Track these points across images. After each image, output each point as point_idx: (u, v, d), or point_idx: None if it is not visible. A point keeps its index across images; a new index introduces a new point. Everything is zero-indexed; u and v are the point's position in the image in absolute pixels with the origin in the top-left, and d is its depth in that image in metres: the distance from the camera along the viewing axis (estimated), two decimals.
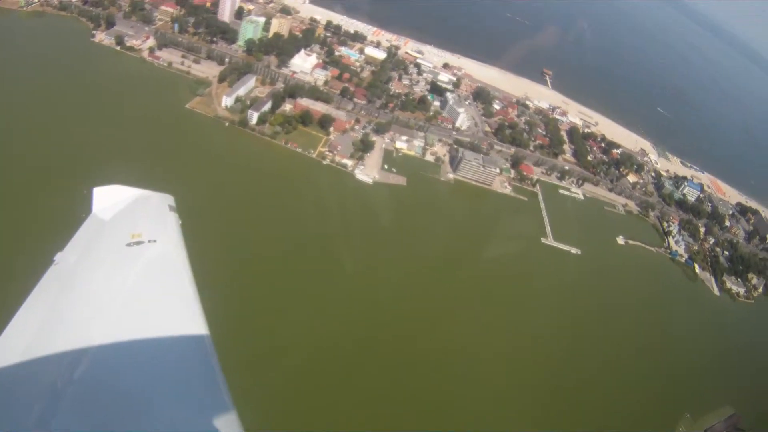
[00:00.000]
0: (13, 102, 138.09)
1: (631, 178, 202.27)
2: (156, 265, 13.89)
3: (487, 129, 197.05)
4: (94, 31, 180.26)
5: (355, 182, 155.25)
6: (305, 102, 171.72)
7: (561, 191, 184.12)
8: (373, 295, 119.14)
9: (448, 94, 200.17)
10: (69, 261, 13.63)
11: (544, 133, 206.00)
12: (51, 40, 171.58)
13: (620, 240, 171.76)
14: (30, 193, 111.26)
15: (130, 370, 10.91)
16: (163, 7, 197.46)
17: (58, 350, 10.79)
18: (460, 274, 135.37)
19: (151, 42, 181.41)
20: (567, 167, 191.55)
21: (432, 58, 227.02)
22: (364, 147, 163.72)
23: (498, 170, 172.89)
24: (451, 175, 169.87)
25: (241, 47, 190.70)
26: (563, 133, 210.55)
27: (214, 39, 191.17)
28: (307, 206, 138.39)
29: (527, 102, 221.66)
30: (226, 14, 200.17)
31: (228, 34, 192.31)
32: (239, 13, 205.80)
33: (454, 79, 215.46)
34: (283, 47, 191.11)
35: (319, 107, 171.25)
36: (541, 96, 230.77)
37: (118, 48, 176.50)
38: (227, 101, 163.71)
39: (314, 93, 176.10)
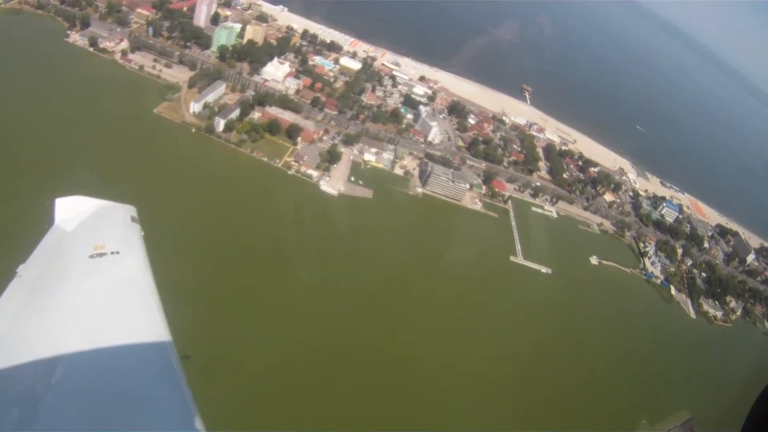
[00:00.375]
0: None
1: (608, 197, 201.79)
2: (119, 276, 13.90)
3: (461, 144, 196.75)
4: (68, 32, 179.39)
5: (320, 194, 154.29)
6: (273, 111, 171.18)
7: (534, 209, 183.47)
8: (328, 306, 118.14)
9: (422, 107, 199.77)
10: (32, 273, 13.55)
11: (519, 149, 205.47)
12: (23, 38, 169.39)
13: (594, 260, 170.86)
14: None
15: (95, 378, 10.90)
16: (139, 10, 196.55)
17: (23, 361, 10.80)
18: (421, 288, 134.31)
19: (124, 44, 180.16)
20: (541, 184, 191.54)
21: (409, 70, 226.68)
22: (330, 158, 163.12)
23: (468, 186, 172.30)
24: (419, 190, 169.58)
25: (214, 53, 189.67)
26: (539, 150, 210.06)
27: (188, 44, 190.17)
28: (269, 216, 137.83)
29: (504, 117, 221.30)
30: (201, 19, 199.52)
31: (202, 39, 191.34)
32: (215, 19, 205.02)
33: (430, 92, 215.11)
34: (256, 55, 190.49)
35: (287, 116, 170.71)
36: (519, 112, 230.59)
37: (91, 49, 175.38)
38: (195, 107, 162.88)
39: (283, 102, 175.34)
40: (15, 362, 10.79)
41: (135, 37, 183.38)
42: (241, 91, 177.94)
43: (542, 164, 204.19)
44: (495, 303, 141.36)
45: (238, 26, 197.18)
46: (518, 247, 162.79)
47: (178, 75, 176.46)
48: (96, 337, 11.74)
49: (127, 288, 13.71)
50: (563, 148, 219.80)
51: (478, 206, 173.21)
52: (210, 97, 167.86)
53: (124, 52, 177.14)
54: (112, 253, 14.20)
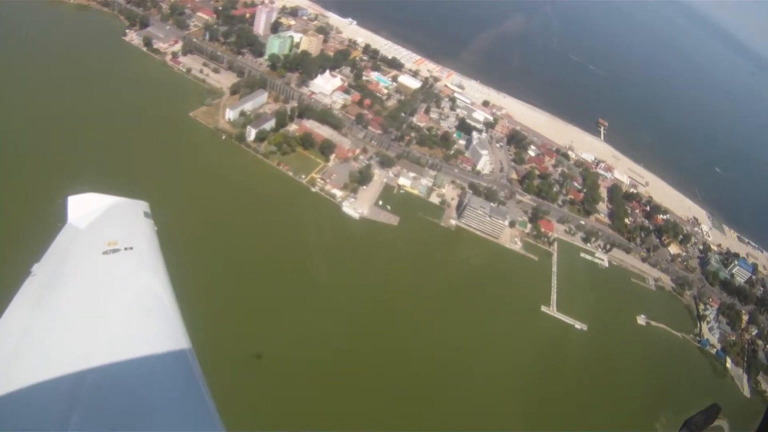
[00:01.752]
0: (15, 94, 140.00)
1: (673, 249, 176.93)
2: (133, 271, 13.52)
3: (514, 176, 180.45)
4: (127, 30, 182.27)
5: (339, 215, 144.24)
6: (310, 124, 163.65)
7: (582, 255, 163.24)
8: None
9: (474, 134, 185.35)
10: (46, 271, 13.12)
11: (579, 187, 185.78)
12: (83, 33, 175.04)
13: (641, 319, 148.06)
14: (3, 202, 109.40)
15: (114, 379, 10.30)
16: (200, 14, 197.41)
17: (41, 361, 10.44)
18: (430, 333, 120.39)
19: (177, 47, 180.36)
20: (596, 228, 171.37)
21: (473, 94, 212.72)
22: (360, 179, 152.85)
23: (506, 222, 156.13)
24: (453, 222, 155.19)
25: (266, 61, 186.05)
26: (603, 190, 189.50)
27: (242, 50, 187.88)
28: (275, 230, 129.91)
29: (569, 152, 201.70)
30: (261, 27, 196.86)
31: (256, 46, 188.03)
32: (275, 28, 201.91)
33: (491, 118, 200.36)
34: (307, 66, 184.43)
35: (323, 131, 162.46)
36: (589, 147, 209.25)
37: (144, 49, 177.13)
38: (230, 114, 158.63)
39: (323, 116, 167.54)
40: (31, 363, 10.44)
41: (189, 40, 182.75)
42: (284, 102, 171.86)
43: (603, 206, 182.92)
44: (512, 357, 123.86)
45: (291, 35, 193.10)
46: (554, 296, 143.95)
47: (224, 81, 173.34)
48: (111, 334, 11.34)
49: (142, 283, 13.22)
50: (631, 190, 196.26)
51: (517, 246, 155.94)
52: (248, 106, 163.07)
53: (175, 54, 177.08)
54: (125, 248, 13.82)
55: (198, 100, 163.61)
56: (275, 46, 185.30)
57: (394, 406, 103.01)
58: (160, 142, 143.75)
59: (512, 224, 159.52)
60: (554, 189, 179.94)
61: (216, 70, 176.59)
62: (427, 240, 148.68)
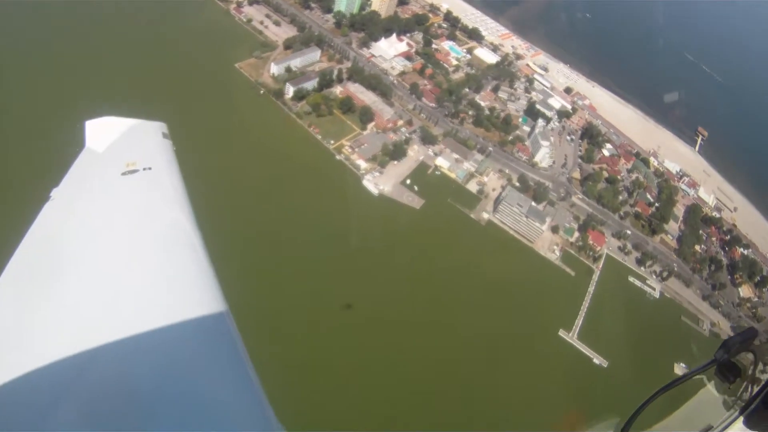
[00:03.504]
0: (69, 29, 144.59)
1: (745, 291, 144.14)
2: (152, 191, 12.98)
3: (575, 175, 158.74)
4: None
5: (357, 188, 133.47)
6: (354, 88, 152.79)
7: (631, 279, 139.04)
8: None
9: (540, 121, 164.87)
10: (65, 195, 12.51)
11: (651, 200, 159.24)
12: None
13: (678, 368, 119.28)
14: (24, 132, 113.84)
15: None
16: None
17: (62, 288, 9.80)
18: (424, 334, 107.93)
19: None
20: (658, 251, 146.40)
21: (558, 78, 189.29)
22: (393, 152, 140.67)
23: (545, 226, 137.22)
24: (486, 215, 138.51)
25: (333, 18, 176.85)
26: (679, 208, 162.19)
27: (311, 4, 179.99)
28: (278, 193, 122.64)
29: (652, 159, 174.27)
30: None
31: (325, 1, 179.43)
32: None
33: (569, 107, 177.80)
34: (372, 27, 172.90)
35: (366, 97, 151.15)
36: (678, 157, 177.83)
37: None
38: (275, 69, 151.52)
39: (371, 80, 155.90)
40: (54, 288, 9.67)
41: None
42: (339, 62, 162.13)
43: (674, 226, 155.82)
44: (514, 385, 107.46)
45: None
46: (579, 321, 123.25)
47: (282, 34, 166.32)
48: (130, 255, 10.77)
49: (161, 202, 12.74)
50: (714, 213, 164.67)
51: (554, 255, 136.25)
52: (297, 62, 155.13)
53: (239, 3, 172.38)
54: (144, 169, 13.12)
55: (248, 51, 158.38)
56: (343, 3, 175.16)
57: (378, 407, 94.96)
58: (195, 88, 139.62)
59: (555, 230, 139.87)
60: (620, 197, 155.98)
61: (277, 23, 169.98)
62: (448, 231, 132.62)
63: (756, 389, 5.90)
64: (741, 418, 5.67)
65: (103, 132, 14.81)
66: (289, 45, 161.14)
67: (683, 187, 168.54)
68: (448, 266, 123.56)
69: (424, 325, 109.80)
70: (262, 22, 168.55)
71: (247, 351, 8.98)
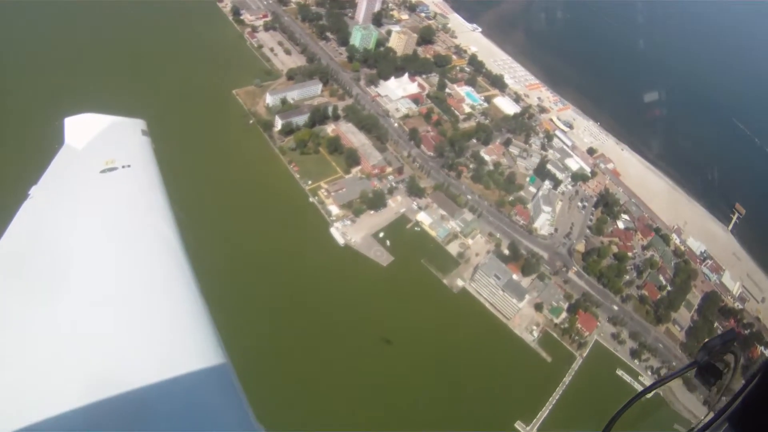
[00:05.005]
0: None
1: None
2: (131, 189, 13.26)
3: (578, 248, 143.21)
4: None
5: (322, 236, 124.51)
6: (345, 127, 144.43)
7: (619, 372, 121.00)
8: None
9: (546, 183, 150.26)
10: (44, 193, 12.67)
11: (663, 283, 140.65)
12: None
13: None
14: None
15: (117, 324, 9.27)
16: None
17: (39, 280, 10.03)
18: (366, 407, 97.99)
19: (265, 20, 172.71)
20: (659, 342, 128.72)
21: (583, 136, 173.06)
22: (371, 201, 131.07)
23: (522, 304, 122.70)
24: (460, 282, 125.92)
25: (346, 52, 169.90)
26: (696, 294, 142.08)
27: (328, 36, 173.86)
28: (238, 229, 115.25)
29: (673, 235, 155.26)
30: (360, 15, 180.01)
31: (342, 34, 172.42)
32: (378, 19, 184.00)
33: (588, 170, 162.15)
34: (384, 64, 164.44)
35: (355, 139, 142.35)
36: (705, 235, 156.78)
37: (230, 18, 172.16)
38: (270, 99, 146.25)
39: (365, 121, 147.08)
40: (30, 279, 9.94)
41: (275, 16, 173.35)
42: (340, 98, 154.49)
43: (685, 315, 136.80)
44: None
45: (374, 29, 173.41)
46: (543, 414, 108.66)
47: (290, 63, 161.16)
48: (109, 253, 10.96)
49: (140, 202, 13.11)
50: (736, 304, 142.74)
51: (531, 337, 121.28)
52: (295, 94, 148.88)
53: (254, 28, 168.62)
54: (123, 166, 13.42)
55: (251, 78, 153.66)
56: (357, 37, 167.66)
57: None
58: (184, 109, 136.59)
59: (538, 307, 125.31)
60: (626, 277, 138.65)
61: (288, 52, 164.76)
62: (412, 295, 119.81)
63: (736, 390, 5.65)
64: (723, 420, 5.39)
65: (83, 129, 14.68)
66: (291, 75, 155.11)
67: (705, 270, 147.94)
68: (403, 335, 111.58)
69: (355, 401, 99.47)
70: (272, 49, 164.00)
71: (226, 352, 8.82)
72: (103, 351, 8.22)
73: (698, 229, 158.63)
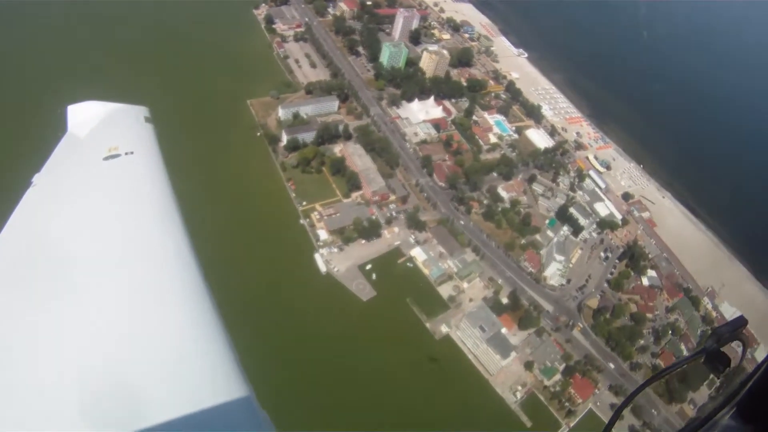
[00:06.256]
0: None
1: None
2: (135, 175, 12.94)
3: (592, 303, 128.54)
4: (263, 3, 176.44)
5: (305, 261, 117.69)
6: (352, 149, 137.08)
7: None
8: None
9: (564, 229, 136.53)
10: (47, 181, 12.70)
11: (686, 353, 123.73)
12: (225, 3, 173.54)
13: None
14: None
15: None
16: (342, 3, 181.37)
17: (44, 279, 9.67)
18: None
19: (298, 30, 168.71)
20: (667, 423, 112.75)
21: (620, 179, 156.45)
22: (364, 230, 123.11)
23: (505, 362, 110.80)
24: (444, 329, 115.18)
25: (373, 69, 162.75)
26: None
27: (359, 51, 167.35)
28: (220, 248, 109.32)
29: (705, 298, 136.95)
30: (397, 32, 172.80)
31: (371, 51, 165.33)
32: (416, 37, 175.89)
33: (618, 218, 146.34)
34: (409, 85, 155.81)
35: (362, 162, 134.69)
36: (745, 301, 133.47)
37: (263, 26, 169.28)
38: (282, 113, 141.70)
39: (377, 143, 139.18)
40: (34, 269, 9.80)
41: (309, 27, 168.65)
42: (358, 117, 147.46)
43: (704, 396, 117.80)
44: None
45: (404, 48, 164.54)
46: None
47: (313, 77, 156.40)
48: (113, 243, 10.66)
49: (144, 189, 12.72)
50: None
51: (515, 397, 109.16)
52: (309, 109, 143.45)
53: (284, 38, 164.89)
54: (126, 153, 13.11)
55: (270, 88, 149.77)
56: (386, 54, 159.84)
57: None
58: (194, 114, 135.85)
59: (529, 366, 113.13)
60: (641, 341, 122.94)
61: (313, 65, 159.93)
62: (389, 336, 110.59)
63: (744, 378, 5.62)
64: (731, 409, 5.27)
65: (86, 116, 14.51)
66: (310, 90, 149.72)
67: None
68: (368, 378, 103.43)
69: None
70: (297, 61, 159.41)
71: (234, 347, 8.62)
72: (106, 347, 7.99)
73: (737, 294, 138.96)
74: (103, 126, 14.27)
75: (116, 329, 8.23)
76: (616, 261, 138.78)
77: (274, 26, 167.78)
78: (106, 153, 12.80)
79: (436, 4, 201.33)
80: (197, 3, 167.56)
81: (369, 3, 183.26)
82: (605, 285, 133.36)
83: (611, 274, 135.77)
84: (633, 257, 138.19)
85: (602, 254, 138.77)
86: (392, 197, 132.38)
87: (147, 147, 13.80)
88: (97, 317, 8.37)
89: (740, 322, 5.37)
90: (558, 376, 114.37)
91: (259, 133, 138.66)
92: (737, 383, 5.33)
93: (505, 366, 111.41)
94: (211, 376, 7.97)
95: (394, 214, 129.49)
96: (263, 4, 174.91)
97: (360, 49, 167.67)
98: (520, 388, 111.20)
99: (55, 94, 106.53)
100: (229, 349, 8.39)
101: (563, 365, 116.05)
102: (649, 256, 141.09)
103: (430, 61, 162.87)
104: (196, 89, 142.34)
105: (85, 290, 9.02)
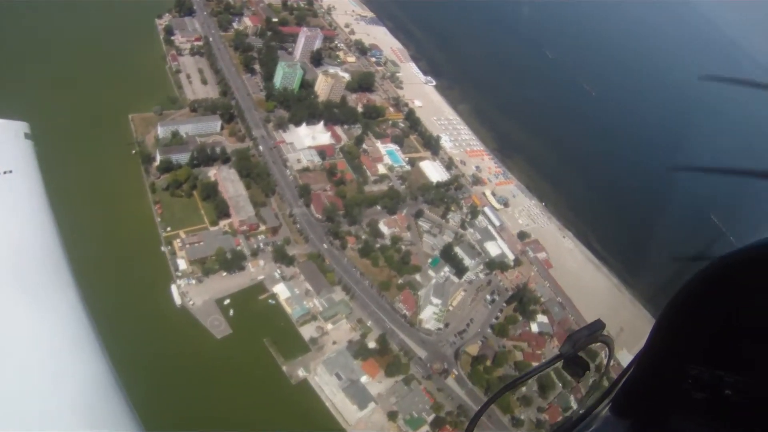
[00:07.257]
0: None
1: None
2: (13, 196, 12.82)
3: (472, 350, 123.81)
4: (168, 13, 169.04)
5: (159, 291, 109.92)
6: (226, 173, 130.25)
7: None
8: None
9: (445, 271, 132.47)
10: None
11: (575, 408, 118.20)
12: (128, 10, 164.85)
13: None
14: None
15: None
16: (247, 19, 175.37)
17: None
18: None
19: (196, 44, 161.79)
20: None
21: (518, 217, 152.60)
22: (228, 262, 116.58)
23: (364, 412, 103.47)
24: (302, 373, 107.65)
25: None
26: None
27: (256, 69, 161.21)
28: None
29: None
30: (298, 52, 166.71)
31: (267, 69, 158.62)
32: (318, 58, 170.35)
33: (511, 258, 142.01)
34: (298, 108, 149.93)
35: (234, 188, 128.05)
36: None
37: (161, 36, 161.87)
38: (160, 130, 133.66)
39: (253, 169, 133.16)
40: None
41: (208, 43, 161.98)
42: (241, 140, 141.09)
43: None
44: None
45: (299, 69, 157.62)
46: None
47: (202, 94, 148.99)
48: None
49: (23, 209, 12.76)
50: None
51: None
52: (189, 128, 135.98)
53: (180, 51, 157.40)
54: (4, 172, 13.00)
55: (153, 103, 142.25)
56: (279, 75, 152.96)
57: None
58: (75, 130, 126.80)
59: (392, 416, 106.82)
60: (522, 392, 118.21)
61: (204, 81, 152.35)
62: (239, 379, 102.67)
63: (614, 378, 6.11)
64: (605, 405, 5.76)
65: None
66: (195, 107, 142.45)
67: None
68: (212, 424, 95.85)
69: None
70: (189, 76, 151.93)
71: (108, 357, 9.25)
72: None
73: (637, 338, 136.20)
74: None
75: None
76: (503, 305, 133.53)
77: (173, 38, 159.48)
78: None
79: (347, 26, 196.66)
80: (98, 9, 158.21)
81: (275, 20, 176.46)
82: (488, 330, 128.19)
83: (496, 318, 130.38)
84: (522, 301, 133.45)
85: (488, 297, 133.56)
86: (262, 228, 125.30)
87: (26, 165, 13.48)
88: None
89: (597, 325, 5.38)
90: (426, 428, 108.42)
91: (134, 151, 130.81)
92: (612, 381, 5.50)
93: (363, 416, 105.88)
94: (87, 388, 8.55)
95: (261, 245, 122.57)
96: (167, 14, 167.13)
97: (256, 67, 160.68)
98: None
99: None
100: (105, 360, 9.25)
101: (432, 416, 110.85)
102: (541, 299, 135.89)
103: (325, 83, 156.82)
104: (79, 101, 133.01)
105: None
